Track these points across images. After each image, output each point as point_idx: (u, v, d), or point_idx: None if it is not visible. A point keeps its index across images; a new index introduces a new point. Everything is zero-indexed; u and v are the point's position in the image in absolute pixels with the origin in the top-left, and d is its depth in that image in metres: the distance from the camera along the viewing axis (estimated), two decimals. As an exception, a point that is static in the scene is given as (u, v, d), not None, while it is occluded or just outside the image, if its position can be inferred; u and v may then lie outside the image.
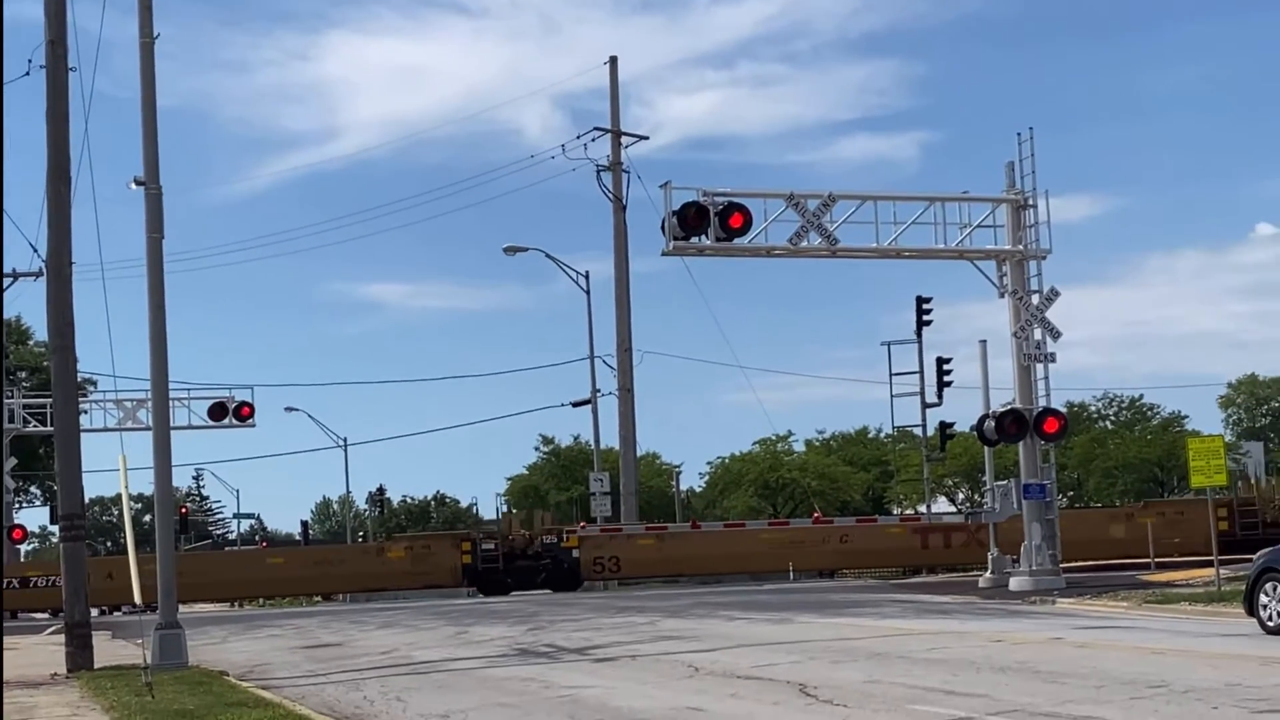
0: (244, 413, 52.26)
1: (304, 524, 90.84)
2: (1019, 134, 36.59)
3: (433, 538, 57.77)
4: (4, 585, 43.80)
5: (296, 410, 78.22)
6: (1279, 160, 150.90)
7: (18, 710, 15.76)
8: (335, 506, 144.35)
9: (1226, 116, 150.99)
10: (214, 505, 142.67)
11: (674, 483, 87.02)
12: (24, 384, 63.78)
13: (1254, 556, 24.60)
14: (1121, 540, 49.82)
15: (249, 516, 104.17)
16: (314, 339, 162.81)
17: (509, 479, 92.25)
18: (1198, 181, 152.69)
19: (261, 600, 58.50)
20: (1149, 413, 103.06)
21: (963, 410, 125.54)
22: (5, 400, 50.55)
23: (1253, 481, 59.42)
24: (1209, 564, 33.84)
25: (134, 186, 22.38)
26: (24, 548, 66.52)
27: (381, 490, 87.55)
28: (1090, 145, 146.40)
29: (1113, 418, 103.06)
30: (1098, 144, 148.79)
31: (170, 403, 25.37)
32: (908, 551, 52.57)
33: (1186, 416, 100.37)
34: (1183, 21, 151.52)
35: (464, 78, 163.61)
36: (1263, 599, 20.39)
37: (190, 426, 51.34)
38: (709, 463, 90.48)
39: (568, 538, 51.03)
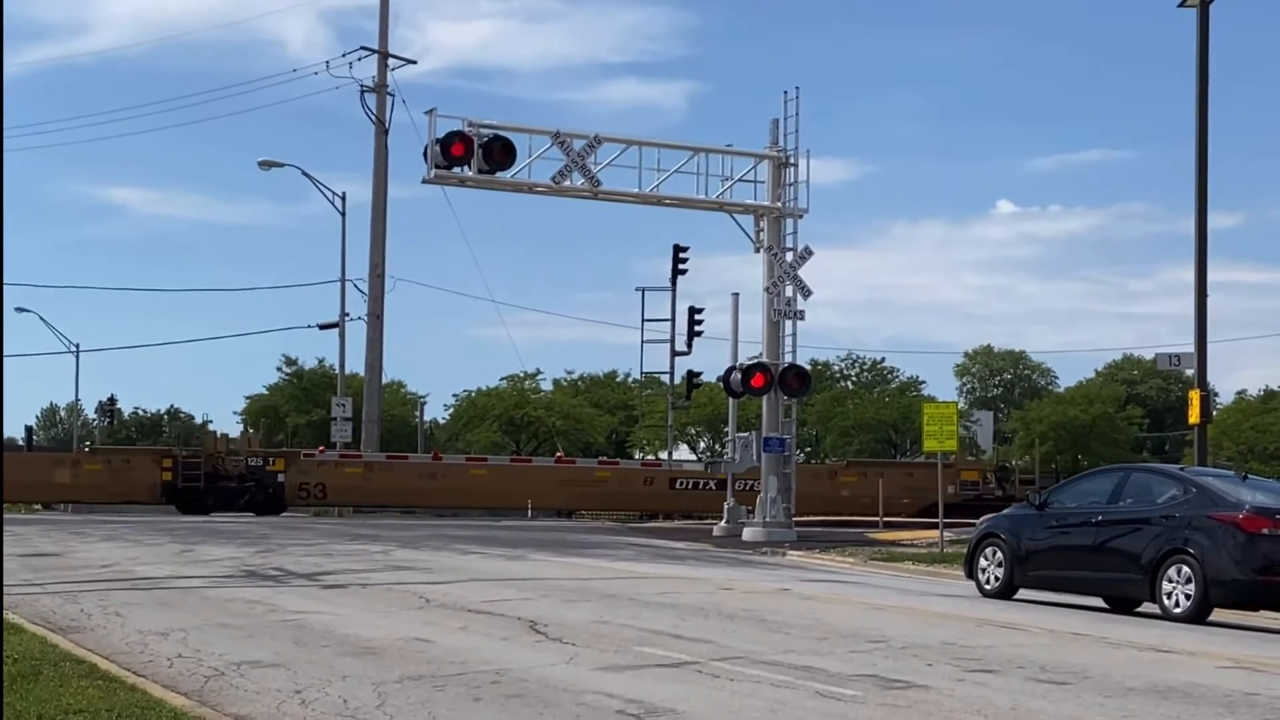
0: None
1: (28, 429, 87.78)
2: (785, 92, 37.13)
3: (133, 452, 56.41)
4: None
5: (27, 311, 75.50)
6: (1025, 139, 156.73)
7: None
8: (63, 414, 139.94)
9: (980, 92, 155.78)
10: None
11: (418, 413, 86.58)
12: None
13: (976, 521, 25.58)
14: (847, 499, 51.38)
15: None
16: (49, 240, 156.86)
17: (248, 398, 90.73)
18: (946, 155, 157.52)
19: None
20: (889, 376, 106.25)
21: (711, 361, 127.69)
22: None
23: (981, 449, 61.79)
24: (934, 526, 35.04)
25: None
26: None
27: (112, 400, 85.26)
28: (849, 111, 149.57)
29: (854, 378, 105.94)
30: (856, 110, 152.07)
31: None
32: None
33: (924, 382, 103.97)
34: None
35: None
36: (982, 563, 21.20)
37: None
38: (455, 395, 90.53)
39: (273, 461, 50.33)
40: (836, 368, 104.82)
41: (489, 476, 51.85)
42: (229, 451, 51.08)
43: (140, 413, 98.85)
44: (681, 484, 52.77)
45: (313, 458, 51.53)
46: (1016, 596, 20.63)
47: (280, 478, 49.58)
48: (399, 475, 51.62)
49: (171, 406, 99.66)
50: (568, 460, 56.23)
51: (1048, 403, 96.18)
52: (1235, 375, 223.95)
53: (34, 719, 9.18)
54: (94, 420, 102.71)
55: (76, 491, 50.57)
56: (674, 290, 53.00)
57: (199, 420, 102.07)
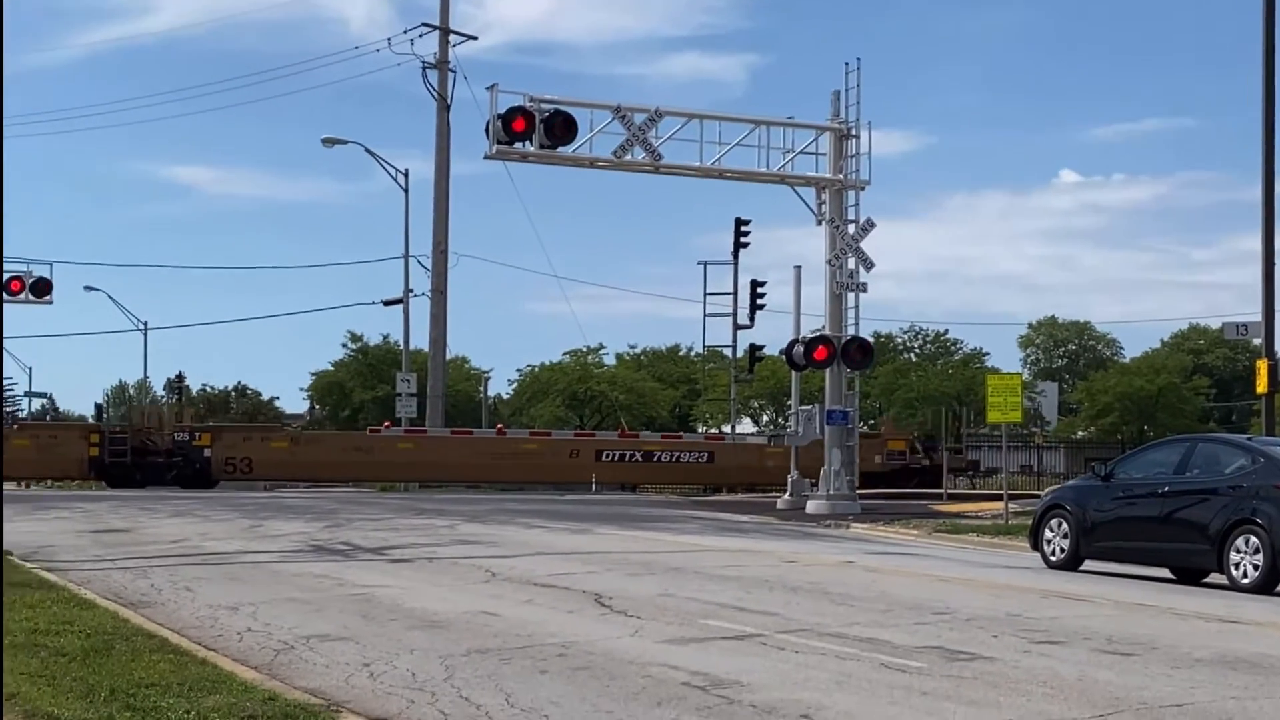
0: (41, 288, 50.68)
1: (98, 406, 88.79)
2: (846, 64, 36.99)
3: (61, 428, 57.15)
4: None
5: (96, 290, 76.31)
6: (1087, 108, 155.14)
7: None
8: (132, 391, 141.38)
9: (1040, 62, 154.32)
10: (6, 381, 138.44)
11: (482, 388, 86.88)
12: None
13: (1041, 493, 25.41)
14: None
15: (41, 395, 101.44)
16: (116, 219, 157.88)
17: (314, 374, 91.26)
18: (1006, 125, 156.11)
19: (49, 481, 57.02)
20: (952, 348, 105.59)
21: (773, 334, 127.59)
22: None
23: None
24: (999, 498, 34.88)
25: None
26: None
27: (180, 377, 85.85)
28: (910, 82, 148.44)
29: (917, 350, 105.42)
30: (917, 81, 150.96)
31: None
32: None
33: (988, 354, 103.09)
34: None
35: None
36: (1047, 534, 21.09)
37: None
38: (519, 370, 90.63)
39: (199, 436, 50.61)
40: (899, 340, 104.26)
41: (416, 449, 51.79)
42: (156, 427, 51.51)
43: (208, 389, 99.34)
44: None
45: (239, 433, 51.95)
46: (1082, 568, 20.50)
47: (206, 452, 49.73)
48: (325, 449, 51.95)
49: (239, 383, 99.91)
50: (631, 434, 56.38)
51: (1113, 373, 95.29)
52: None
53: (107, 692, 9.29)
54: (162, 397, 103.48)
55: (5, 467, 50.97)
56: (736, 263, 52.96)
57: (265, 397, 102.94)
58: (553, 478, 52.47)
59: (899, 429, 59.98)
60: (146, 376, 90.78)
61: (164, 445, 50.09)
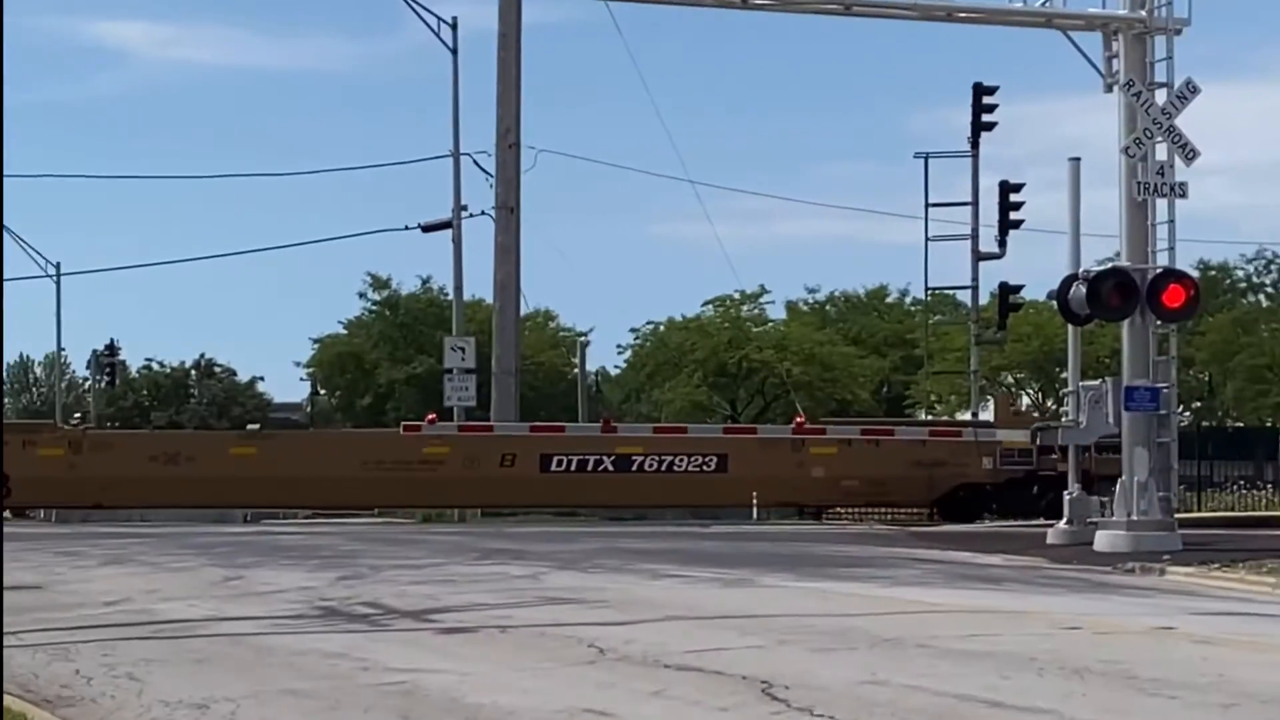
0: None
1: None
2: None
3: None
4: None
5: (-19, 215, 77.54)
6: None
7: None
8: (38, 372, 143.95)
9: None
10: None
11: (577, 360, 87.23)
12: None
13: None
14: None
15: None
16: (14, 105, 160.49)
17: (316, 342, 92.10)
18: None
19: None
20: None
21: (1034, 267, 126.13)
22: None
23: None
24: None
25: None
26: None
27: (112, 349, 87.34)
28: None
29: (1270, 289, 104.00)
30: None
31: None
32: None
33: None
34: None
35: None
36: None
37: None
38: (633, 331, 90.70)
39: None
40: (1240, 273, 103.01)
41: (256, 459, 52.36)
42: None
43: (155, 367, 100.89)
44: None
45: None
46: None
47: None
48: (122, 459, 52.45)
49: (202, 357, 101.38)
50: (816, 428, 56.35)
51: None
52: None
53: None
54: (84, 380, 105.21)
55: None
56: (975, 157, 52.81)
57: (242, 377, 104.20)
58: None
59: (1016, 414, 59.43)
60: (61, 349, 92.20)
61: None
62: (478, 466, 51.81)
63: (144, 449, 54.18)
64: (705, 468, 52.17)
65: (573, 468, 52.00)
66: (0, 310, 9.20)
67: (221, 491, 52.69)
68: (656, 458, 52.63)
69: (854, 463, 52.96)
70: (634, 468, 52.05)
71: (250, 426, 61.02)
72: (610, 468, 52.02)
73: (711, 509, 52.22)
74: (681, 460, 52.44)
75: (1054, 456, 53.08)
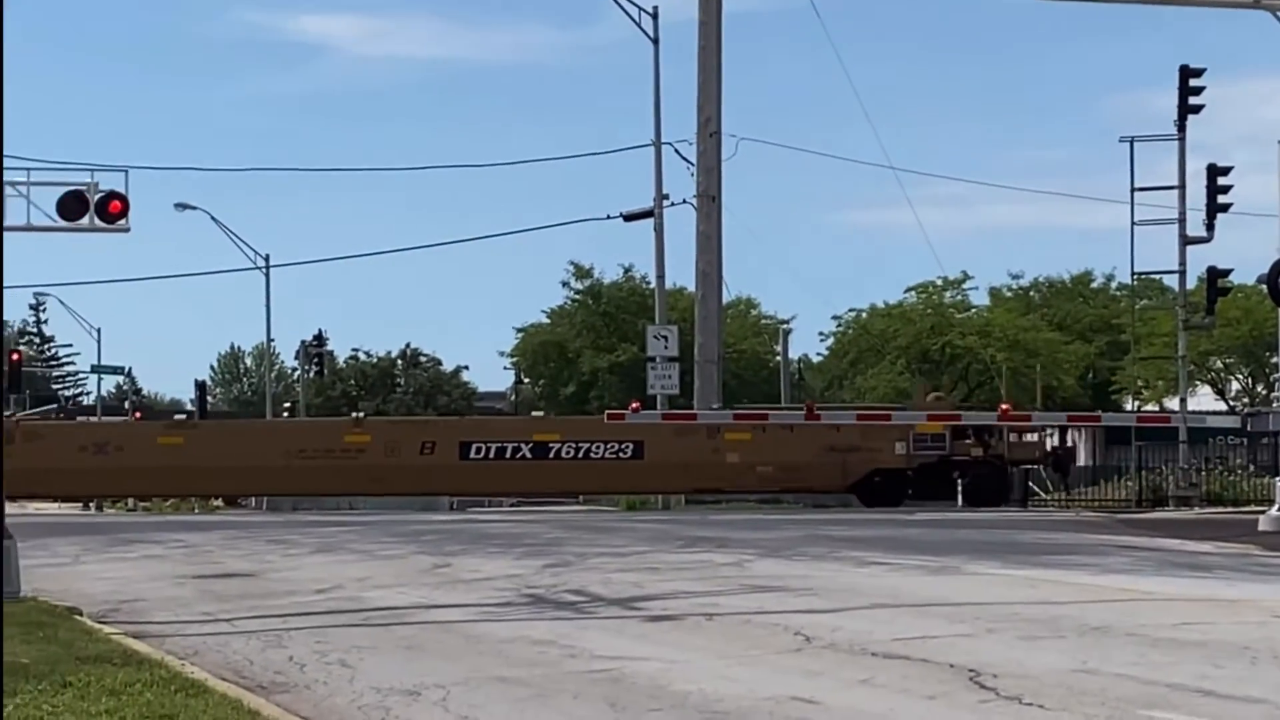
0: (113, 209, 51.89)
1: (199, 385, 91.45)
2: None
3: None
4: None
5: (192, 209, 78.44)
6: None
7: None
8: (248, 362, 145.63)
9: None
10: (62, 351, 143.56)
11: (779, 347, 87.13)
12: None
13: None
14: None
15: (114, 370, 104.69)
16: (219, 103, 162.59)
17: (520, 331, 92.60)
18: None
19: (130, 502, 59.53)
20: None
21: (1244, 250, 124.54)
22: None
23: None
24: None
25: None
26: None
27: (319, 339, 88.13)
28: None
29: None
30: None
31: None
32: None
33: None
34: None
35: None
36: None
37: (30, 228, 51.42)
38: (835, 319, 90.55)
39: None
40: None
41: (183, 449, 52.92)
42: None
43: (361, 357, 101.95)
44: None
45: None
46: None
47: None
48: (52, 450, 53.07)
49: (408, 347, 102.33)
50: (1020, 414, 56.22)
51: None
52: None
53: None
54: (293, 369, 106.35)
55: None
56: (1182, 140, 52.21)
57: (447, 367, 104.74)
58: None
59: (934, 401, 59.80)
60: (271, 339, 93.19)
61: None
62: (398, 454, 53.45)
63: (74, 439, 55.78)
64: (621, 454, 53.30)
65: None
66: (0, 311, 9.43)
67: (150, 481, 54.13)
68: (574, 445, 53.65)
69: (768, 448, 54.27)
70: (550, 455, 53.81)
71: (177, 416, 62.04)
72: (528, 455, 53.81)
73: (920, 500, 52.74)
74: (598, 448, 53.42)
75: (968, 441, 53.83)
